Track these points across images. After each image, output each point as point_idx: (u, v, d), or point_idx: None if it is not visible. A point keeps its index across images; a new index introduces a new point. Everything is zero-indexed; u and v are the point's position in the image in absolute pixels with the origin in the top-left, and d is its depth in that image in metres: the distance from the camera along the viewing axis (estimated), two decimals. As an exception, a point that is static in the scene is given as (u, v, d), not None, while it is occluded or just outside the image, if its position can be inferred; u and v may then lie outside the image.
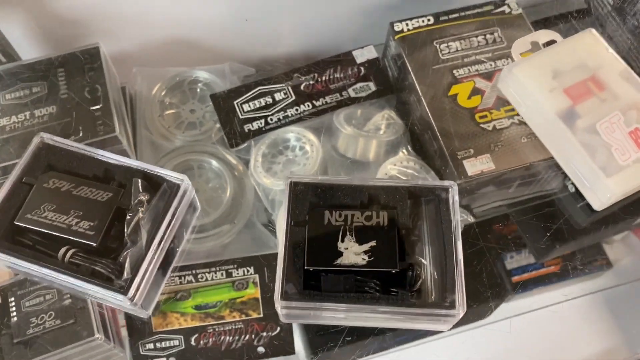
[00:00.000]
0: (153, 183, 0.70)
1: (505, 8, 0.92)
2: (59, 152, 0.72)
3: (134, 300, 0.64)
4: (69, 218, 0.67)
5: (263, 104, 0.90)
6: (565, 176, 0.83)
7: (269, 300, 0.78)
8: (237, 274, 0.81)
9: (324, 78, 0.92)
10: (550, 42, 0.82)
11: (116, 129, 0.83)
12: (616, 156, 0.75)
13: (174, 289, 0.79)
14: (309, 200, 0.68)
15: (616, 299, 0.89)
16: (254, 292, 0.80)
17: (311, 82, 0.92)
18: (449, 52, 0.90)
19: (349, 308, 0.63)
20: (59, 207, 0.68)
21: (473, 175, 0.81)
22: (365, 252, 0.65)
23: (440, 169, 0.86)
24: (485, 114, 0.85)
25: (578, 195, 0.82)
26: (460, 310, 0.62)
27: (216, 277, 0.80)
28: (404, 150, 0.88)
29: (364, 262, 0.64)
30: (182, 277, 0.80)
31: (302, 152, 0.88)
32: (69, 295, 0.74)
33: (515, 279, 0.86)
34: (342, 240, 0.65)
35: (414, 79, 0.87)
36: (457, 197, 0.68)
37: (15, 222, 0.67)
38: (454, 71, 0.88)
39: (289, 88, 0.91)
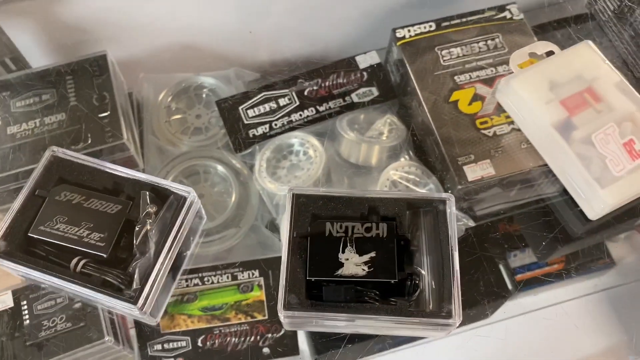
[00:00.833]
0: (160, 195, 0.73)
1: (506, 14, 0.94)
2: (70, 166, 0.75)
3: (143, 310, 0.67)
4: (80, 230, 0.70)
5: (268, 109, 0.92)
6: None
7: (273, 302, 0.81)
8: (243, 276, 0.83)
9: (327, 83, 0.94)
10: (549, 53, 0.84)
11: (124, 136, 0.86)
12: (610, 167, 0.77)
13: (181, 292, 0.82)
14: (310, 212, 0.71)
15: (619, 298, 0.90)
16: (259, 294, 0.82)
17: (315, 88, 0.93)
18: (451, 58, 0.91)
19: (349, 317, 0.66)
20: (70, 219, 0.71)
21: (473, 181, 0.83)
22: (365, 263, 0.67)
23: (441, 174, 0.87)
24: (486, 120, 0.87)
25: (580, 213, 0.83)
26: (457, 320, 0.65)
27: (222, 279, 0.83)
28: (406, 156, 0.90)
29: (364, 273, 0.67)
30: (189, 280, 0.82)
31: (306, 157, 0.90)
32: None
33: (519, 277, 0.88)
34: (343, 251, 0.68)
35: (416, 85, 0.89)
36: (454, 209, 0.70)
37: (29, 234, 0.70)
38: (455, 77, 0.90)
39: (293, 93, 0.93)
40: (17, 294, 0.78)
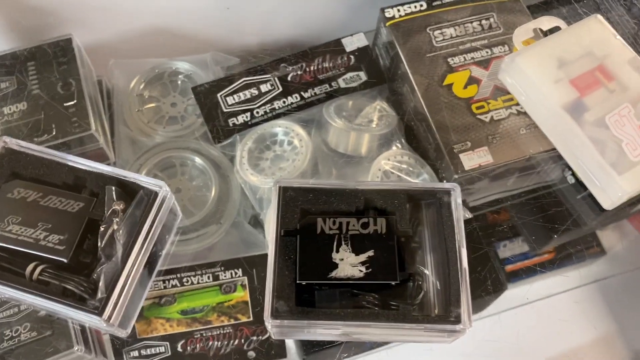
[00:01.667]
0: (128, 190, 0.63)
1: (501, -9, 0.85)
2: (24, 159, 0.64)
3: (110, 321, 0.57)
4: (37, 231, 0.60)
5: (248, 96, 0.83)
6: (565, 167, 0.79)
7: (258, 303, 0.74)
8: (225, 276, 0.76)
9: (312, 68, 0.85)
10: (554, 29, 0.75)
11: (92, 126, 0.76)
12: (627, 151, 0.69)
13: (159, 294, 0.74)
14: (299, 207, 0.61)
15: (610, 288, 0.86)
16: (242, 295, 0.75)
17: (299, 73, 0.85)
18: (443, 40, 0.83)
19: (346, 325, 0.56)
20: (25, 220, 0.60)
21: (470, 170, 0.75)
22: (362, 263, 0.58)
23: (436, 162, 0.80)
24: (482, 105, 0.79)
25: (579, 185, 0.77)
26: (467, 325, 0.56)
27: (202, 280, 0.76)
28: (398, 144, 0.82)
29: (361, 275, 0.57)
30: (167, 282, 0.75)
31: (291, 147, 0.82)
32: (45, 306, 0.68)
33: (509, 267, 0.83)
34: (337, 251, 0.58)
35: (407, 68, 0.81)
36: (459, 200, 0.61)
37: (-24, 238, 0.59)
38: (449, 59, 0.82)
39: (276, 79, 0.84)
40: (-27, 303, 0.70)
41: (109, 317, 0.56)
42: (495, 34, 0.83)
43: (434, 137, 0.78)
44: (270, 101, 0.83)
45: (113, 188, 0.61)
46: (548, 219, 0.81)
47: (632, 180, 0.68)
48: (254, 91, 0.83)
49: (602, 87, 0.72)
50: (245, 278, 0.76)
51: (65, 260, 0.58)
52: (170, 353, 0.72)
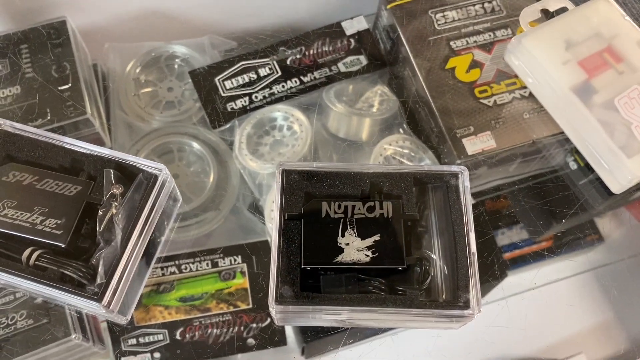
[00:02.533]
0: (127, 174, 0.61)
1: (504, -26, 0.84)
2: (19, 141, 0.62)
3: (110, 307, 0.55)
4: (33, 216, 0.58)
5: (247, 80, 0.82)
6: (568, 153, 0.78)
7: (258, 290, 0.74)
8: (224, 263, 0.75)
9: (311, 52, 0.84)
10: (561, 10, 0.74)
11: (87, 111, 0.75)
12: (637, 134, 0.68)
13: (157, 281, 0.74)
14: (303, 190, 0.59)
15: (607, 275, 0.83)
16: (242, 282, 0.74)
17: (298, 57, 0.84)
18: (445, 22, 0.82)
19: (352, 310, 0.55)
20: (20, 204, 0.58)
21: (473, 154, 0.74)
22: (369, 248, 0.56)
23: (438, 147, 0.79)
24: (485, 89, 0.78)
25: (582, 171, 0.77)
26: (476, 310, 0.54)
27: (201, 267, 0.75)
28: (399, 129, 0.80)
29: (367, 259, 0.56)
30: (165, 269, 0.75)
31: (290, 132, 0.80)
32: (42, 293, 0.67)
33: (507, 255, 0.81)
34: (343, 235, 0.57)
35: (409, 51, 0.80)
36: (468, 183, 0.60)
37: (-30, 222, 0.57)
38: (451, 43, 0.80)
39: (275, 63, 0.83)
40: (-31, 290, 0.68)
41: (109, 303, 0.55)
42: (498, 17, 0.82)
43: (436, 121, 0.76)
44: (269, 85, 0.81)
45: (112, 171, 0.60)
46: (550, 205, 0.80)
47: (643, 163, 0.67)
48: (253, 75, 0.82)
49: (611, 69, 0.70)
50: (245, 265, 0.75)
51: (62, 245, 0.57)
52: (169, 340, 0.71)
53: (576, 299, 0.83)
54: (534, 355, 0.81)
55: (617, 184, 0.69)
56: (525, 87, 0.77)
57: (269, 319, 0.73)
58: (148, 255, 0.63)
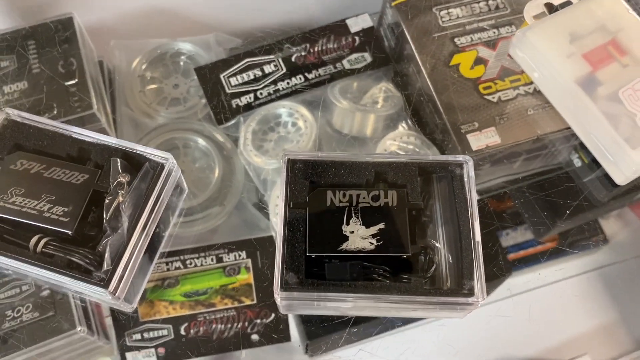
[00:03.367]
0: (134, 163, 0.61)
1: (508, -28, 0.85)
2: (27, 130, 0.63)
3: (116, 294, 0.55)
4: (40, 203, 0.58)
5: (252, 77, 0.83)
6: (573, 150, 0.79)
7: (262, 285, 0.74)
8: (228, 258, 0.76)
9: (316, 49, 0.85)
10: (566, 4, 0.75)
11: (94, 105, 0.76)
12: (641, 126, 0.68)
13: (162, 276, 0.75)
14: (309, 179, 0.60)
15: (612, 275, 0.85)
16: (246, 277, 0.75)
17: (303, 54, 0.85)
18: (450, 20, 0.83)
19: (356, 298, 0.55)
20: (28, 191, 0.59)
21: (478, 150, 0.75)
22: (373, 236, 0.57)
23: (442, 143, 0.79)
24: (490, 85, 0.78)
25: (587, 168, 0.78)
26: (480, 298, 0.55)
27: (206, 262, 0.75)
28: (404, 125, 0.81)
29: (372, 247, 0.56)
30: (170, 264, 0.75)
31: (295, 128, 0.81)
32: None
33: (511, 256, 0.82)
34: (347, 223, 0.57)
35: (413, 48, 0.80)
36: (472, 173, 0.60)
37: (-22, 209, 0.58)
38: (456, 39, 0.81)
39: (280, 60, 0.84)
40: (-24, 283, 0.68)
41: (115, 290, 0.55)
42: (502, 14, 0.83)
43: (441, 117, 0.77)
44: (274, 82, 0.82)
45: (118, 160, 0.60)
46: (555, 202, 0.80)
47: (646, 155, 0.68)
48: (258, 72, 0.83)
49: (615, 62, 0.71)
50: (249, 260, 0.76)
51: (69, 233, 0.57)
52: (173, 336, 0.72)
53: (581, 299, 0.84)
54: (539, 356, 0.82)
55: (621, 175, 0.70)
56: (529, 84, 0.77)
57: (273, 315, 0.73)
58: (154, 245, 0.63)
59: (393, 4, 0.83)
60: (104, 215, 0.58)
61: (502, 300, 0.76)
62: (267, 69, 0.83)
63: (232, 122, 0.81)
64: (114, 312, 0.72)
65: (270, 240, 0.76)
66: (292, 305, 0.58)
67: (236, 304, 0.73)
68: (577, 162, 0.81)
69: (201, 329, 0.72)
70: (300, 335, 0.75)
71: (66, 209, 0.58)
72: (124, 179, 0.59)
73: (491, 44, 0.81)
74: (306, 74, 0.83)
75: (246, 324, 0.73)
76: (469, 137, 0.75)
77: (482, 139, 0.75)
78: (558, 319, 0.83)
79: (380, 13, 0.88)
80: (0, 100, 0.76)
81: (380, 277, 0.57)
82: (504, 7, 0.83)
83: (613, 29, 0.73)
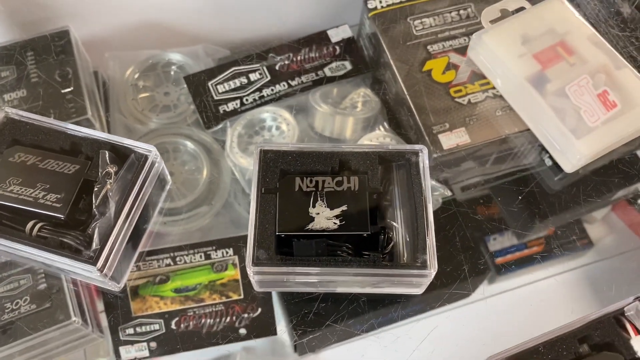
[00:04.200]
0: (121, 155, 0.69)
1: (478, -16, 0.92)
2: (24, 127, 0.71)
3: (104, 271, 0.63)
4: (36, 191, 0.66)
5: (238, 84, 0.89)
6: (542, 150, 0.84)
7: (249, 281, 0.76)
8: (216, 255, 0.80)
9: (299, 58, 0.91)
10: (519, 9, 0.82)
11: (88, 111, 0.82)
12: (585, 118, 0.75)
13: (153, 273, 0.78)
14: (279, 167, 0.68)
15: (597, 276, 0.87)
16: (233, 273, 0.79)
17: (286, 62, 0.91)
18: (423, 28, 0.90)
19: (321, 271, 0.62)
20: (25, 181, 0.67)
21: (449, 149, 0.81)
22: (337, 217, 0.64)
23: (416, 143, 0.83)
24: (460, 89, 0.85)
25: (556, 167, 0.82)
26: (432, 270, 0.62)
27: (195, 259, 0.80)
28: (381, 127, 0.87)
29: (335, 227, 0.63)
30: (160, 261, 0.79)
31: (279, 131, 0.87)
32: (44, 280, 0.73)
33: (499, 260, 0.85)
34: (314, 206, 0.65)
35: (389, 55, 0.87)
36: (427, 161, 0.67)
37: (-21, 197, 0.66)
38: (428, 47, 0.88)
39: (264, 68, 0.90)
40: (-24, 279, 0.73)
41: (103, 267, 0.62)
42: (472, 22, 0.90)
43: (415, 119, 0.84)
44: (259, 89, 0.89)
45: (107, 152, 0.68)
46: (530, 202, 0.85)
47: (589, 145, 0.75)
48: (244, 80, 0.89)
49: (563, 61, 0.78)
50: (236, 257, 0.80)
51: (62, 217, 0.65)
52: (164, 330, 0.75)
53: (567, 299, 0.86)
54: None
55: (568, 164, 0.77)
56: (497, 87, 0.84)
57: (259, 309, 0.77)
58: (139, 231, 0.70)
59: (370, 14, 0.90)
60: (94, 202, 0.65)
61: (486, 299, 0.80)
62: (253, 77, 0.90)
63: (220, 126, 0.87)
64: (107, 307, 0.77)
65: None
66: (264, 281, 0.65)
67: (224, 299, 0.77)
68: (548, 162, 0.85)
69: (191, 323, 0.76)
70: (289, 335, 0.78)
71: (59, 196, 0.65)
72: (111, 169, 0.67)
73: (462, 51, 0.88)
74: (289, 81, 0.89)
75: (234, 318, 0.76)
76: (440, 137, 0.81)
77: (453, 139, 0.81)
78: (547, 318, 0.82)
79: (359, 24, 0.95)
80: (0, 107, 0.82)
81: (343, 254, 0.63)
82: (474, 16, 0.90)
83: (561, 32, 0.80)
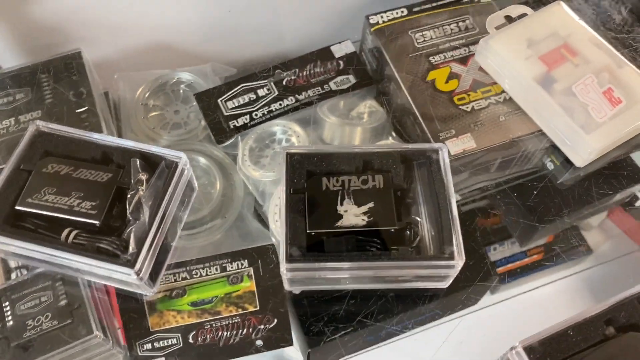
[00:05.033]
0: (151, 162, 0.73)
1: (474, -3, 0.98)
2: (55, 139, 0.74)
3: (141, 274, 0.66)
4: (70, 199, 0.69)
5: (247, 100, 0.93)
6: (544, 154, 0.89)
7: (264, 292, 0.80)
8: (232, 267, 0.81)
9: (304, 73, 0.95)
10: (522, 16, 0.88)
11: (103, 129, 0.85)
12: (593, 115, 0.81)
13: (169, 287, 0.80)
14: (306, 168, 0.72)
15: (596, 282, 0.93)
16: (249, 285, 0.80)
17: (293, 77, 0.95)
18: (424, 41, 0.94)
19: (352, 266, 0.66)
20: (59, 190, 0.70)
21: (456, 154, 0.84)
22: (364, 213, 0.68)
23: None
24: (463, 96, 0.89)
25: (559, 170, 0.87)
26: (460, 261, 0.66)
27: (210, 272, 0.81)
28: (388, 136, 0.91)
29: (363, 223, 0.67)
30: (177, 274, 0.80)
31: (289, 144, 0.90)
32: (65, 296, 0.75)
33: (500, 269, 0.90)
34: (341, 204, 0.69)
35: (393, 67, 0.92)
36: (447, 158, 0.72)
37: (16, 207, 0.69)
38: (430, 58, 0.93)
39: (272, 84, 0.94)
40: (-2, 295, 0.75)
41: (140, 270, 0.65)
42: (471, 34, 0.95)
43: (421, 127, 0.87)
44: (268, 104, 0.92)
45: (137, 160, 0.72)
46: (533, 207, 0.89)
47: (599, 138, 0.80)
48: (252, 95, 0.93)
49: (568, 62, 0.84)
50: (251, 269, 0.81)
51: (97, 223, 0.68)
52: (182, 344, 0.76)
53: (568, 305, 0.91)
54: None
55: (579, 158, 0.82)
56: (499, 93, 0.89)
57: (275, 320, 0.78)
58: (170, 238, 0.74)
59: (372, 29, 0.95)
60: (127, 208, 0.69)
61: (490, 307, 0.83)
62: (261, 92, 0.93)
63: (231, 141, 0.90)
64: (125, 324, 0.78)
65: (271, 248, 0.82)
66: (297, 278, 0.69)
67: (240, 311, 0.77)
68: (551, 166, 0.90)
69: (208, 336, 0.76)
70: (301, 345, 0.81)
71: (93, 203, 0.69)
72: (143, 176, 0.70)
73: (463, 61, 0.92)
74: (297, 96, 0.93)
75: (250, 330, 0.77)
76: (448, 143, 0.85)
77: (460, 144, 0.85)
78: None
79: (361, 39, 1.00)
80: (17, 128, 0.85)
81: (372, 248, 0.67)
82: (473, 27, 0.95)
83: (564, 35, 0.86)
